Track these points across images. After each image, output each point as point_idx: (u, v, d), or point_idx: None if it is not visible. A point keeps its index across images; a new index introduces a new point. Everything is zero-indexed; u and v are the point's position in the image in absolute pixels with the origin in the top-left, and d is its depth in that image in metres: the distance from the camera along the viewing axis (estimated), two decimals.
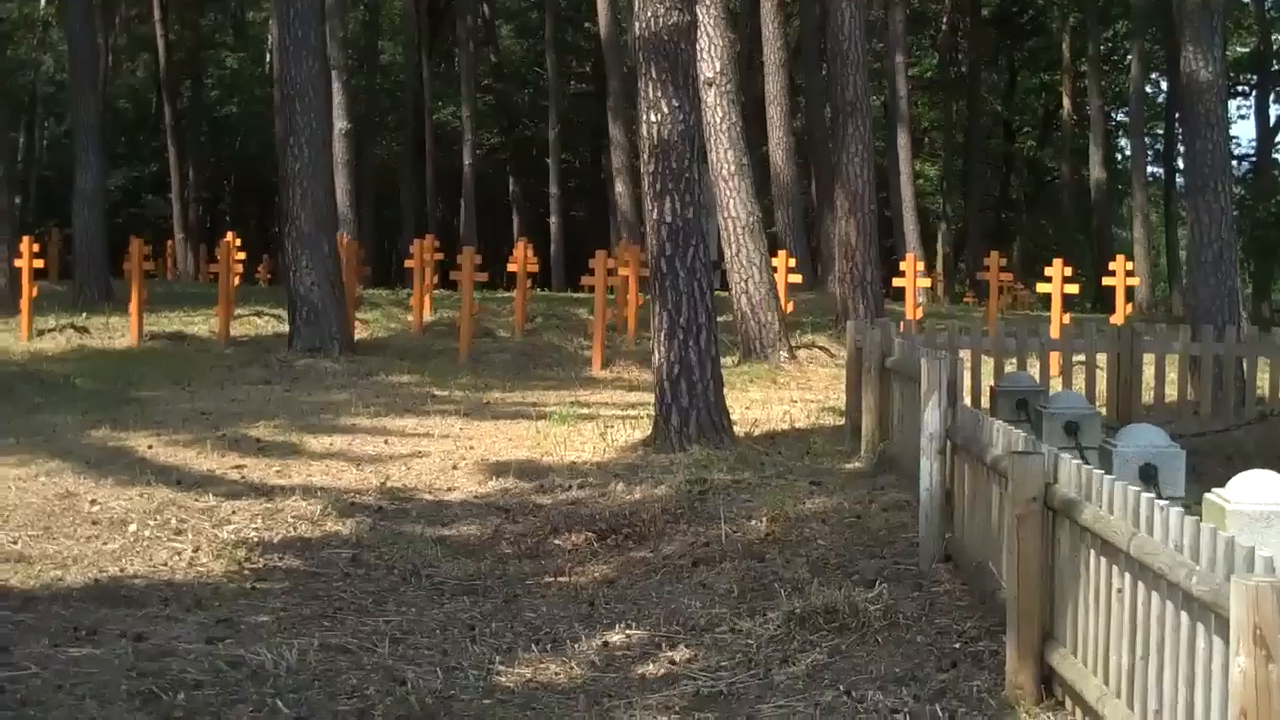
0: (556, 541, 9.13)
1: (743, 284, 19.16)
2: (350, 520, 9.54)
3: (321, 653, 6.67)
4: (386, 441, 12.57)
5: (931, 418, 8.04)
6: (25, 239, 21.61)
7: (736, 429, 12.50)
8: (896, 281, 21.86)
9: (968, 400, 11.04)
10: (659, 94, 12.04)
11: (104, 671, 6.34)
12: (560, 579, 8.27)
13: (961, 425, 7.84)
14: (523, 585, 8.12)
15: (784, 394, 16.39)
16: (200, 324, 22.06)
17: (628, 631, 7.12)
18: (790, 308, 21.19)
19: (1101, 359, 13.65)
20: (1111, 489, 5.25)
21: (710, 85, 18.66)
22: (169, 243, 44.65)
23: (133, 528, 9.16)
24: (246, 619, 7.28)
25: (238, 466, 11.26)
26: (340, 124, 36.30)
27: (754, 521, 9.05)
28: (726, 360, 15.89)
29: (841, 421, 12.84)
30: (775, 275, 20.21)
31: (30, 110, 56.07)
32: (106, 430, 12.77)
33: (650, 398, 12.65)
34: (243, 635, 6.98)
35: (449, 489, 10.77)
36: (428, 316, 23.07)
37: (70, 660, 6.53)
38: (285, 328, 19.84)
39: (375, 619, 7.37)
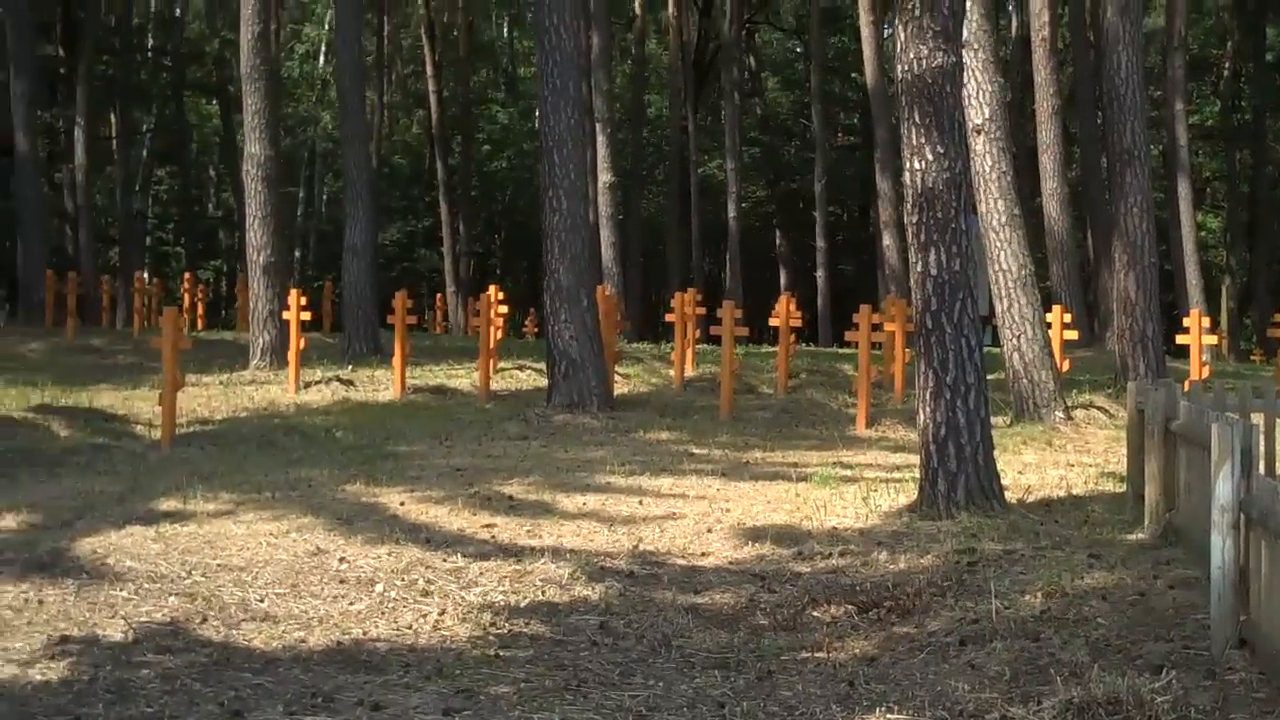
0: (815, 613, 8.63)
1: (1015, 340, 18.44)
2: (600, 585, 9.19)
3: None
4: (641, 502, 12.21)
5: (1223, 489, 7.35)
6: (293, 291, 21.95)
7: (1008, 494, 11.84)
8: (1179, 338, 20.85)
9: (1262, 468, 10.24)
10: (922, 140, 11.53)
11: None
12: (818, 654, 7.76)
13: (1258, 497, 7.14)
14: (778, 660, 7.64)
15: (1060, 457, 15.60)
16: (463, 377, 22.15)
17: (888, 715, 6.59)
18: (1066, 365, 20.34)
19: None
20: None
21: (979, 132, 18.07)
22: (438, 296, 45.46)
23: (379, 588, 8.98)
24: (487, 689, 6.98)
25: (488, 525, 11.02)
26: (605, 177, 36.57)
27: (1027, 597, 8.43)
28: (997, 420, 15.22)
29: (1122, 488, 12.08)
30: (1049, 331, 19.41)
31: (310, 166, 57.93)
32: (361, 485, 12.69)
33: (916, 459, 12.08)
34: (481, 707, 6.67)
35: (703, 553, 10.34)
36: (689, 372, 22.79)
37: None
38: (546, 382, 19.73)
39: (621, 693, 6.99)
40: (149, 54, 53.35)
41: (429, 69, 48.79)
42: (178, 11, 54.45)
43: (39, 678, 7.12)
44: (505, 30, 62.54)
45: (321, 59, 56.77)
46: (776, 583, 9.35)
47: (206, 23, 55.21)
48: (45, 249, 36.29)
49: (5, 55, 36.97)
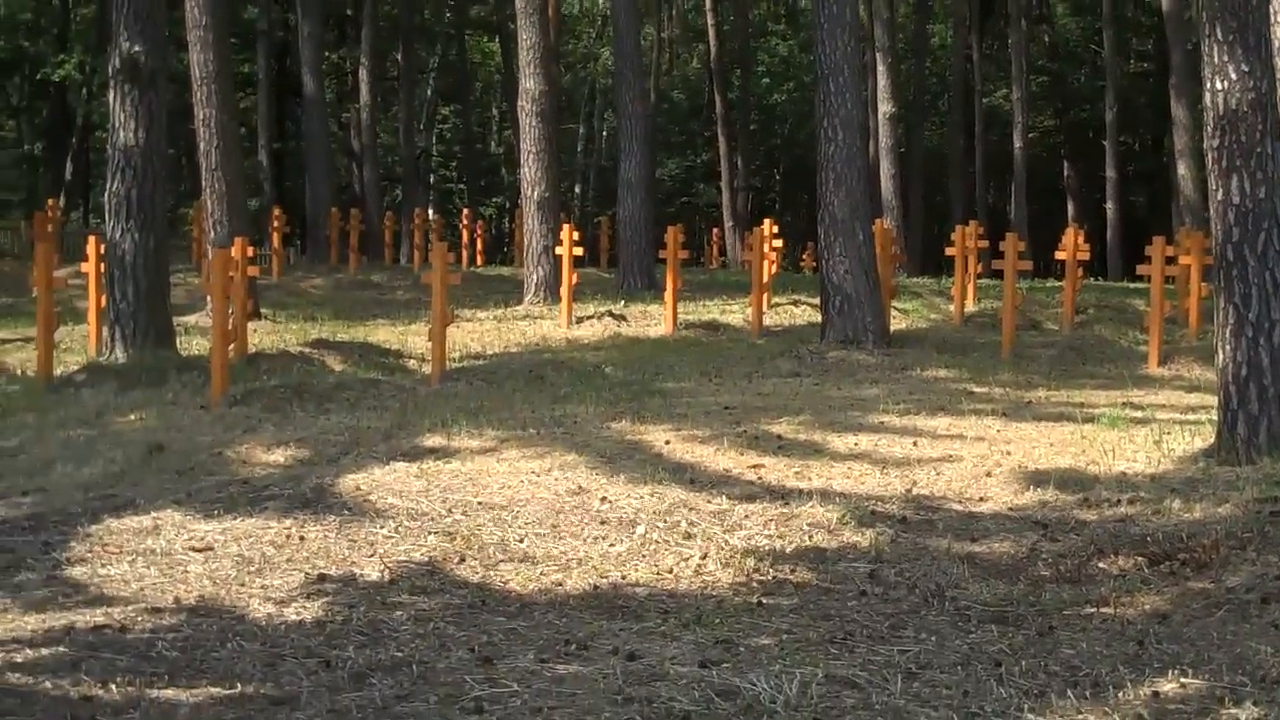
0: (1101, 565, 8.04)
1: None
2: (870, 530, 8.74)
3: (825, 685, 5.93)
4: (915, 443, 11.68)
5: None
6: (565, 227, 21.92)
7: None
8: None
9: None
10: (1225, 58, 10.69)
11: (588, 694, 5.83)
12: (1103, 610, 7.21)
13: None
14: (1060, 615, 7.11)
15: None
16: (735, 313, 21.88)
17: (1182, 679, 6.03)
18: None
19: None
20: None
21: None
22: (715, 230, 45.36)
23: (641, 530, 8.69)
24: (747, 640, 6.63)
25: (755, 466, 10.64)
26: (885, 108, 35.93)
27: None
28: None
29: None
30: None
31: (590, 102, 58.30)
32: (626, 423, 12.42)
33: (1214, 400, 11.31)
34: (740, 659, 6.33)
35: (980, 498, 9.79)
36: (970, 307, 22.12)
37: (554, 679, 6.06)
38: (820, 317, 19.30)
39: (889, 647, 6.57)
40: None
41: (708, 3, 48.53)
42: None
43: (294, 617, 7.04)
44: None
45: None
46: (1060, 531, 8.77)
47: None
48: (332, 188, 37.23)
49: None
